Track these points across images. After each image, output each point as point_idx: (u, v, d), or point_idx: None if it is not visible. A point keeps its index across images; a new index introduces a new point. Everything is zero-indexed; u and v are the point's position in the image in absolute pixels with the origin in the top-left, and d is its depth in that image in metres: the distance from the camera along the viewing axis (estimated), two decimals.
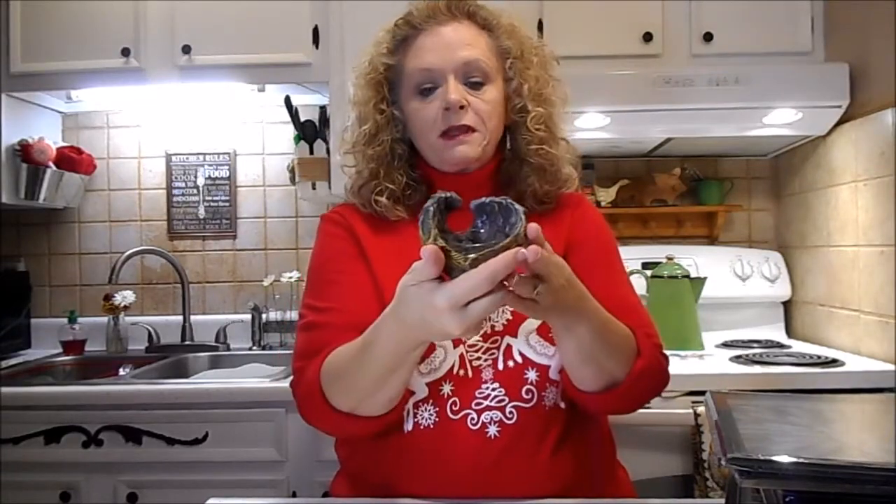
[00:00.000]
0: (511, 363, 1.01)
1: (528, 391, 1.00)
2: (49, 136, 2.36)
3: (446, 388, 1.00)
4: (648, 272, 2.09)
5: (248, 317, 2.40)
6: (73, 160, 2.39)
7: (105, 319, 2.39)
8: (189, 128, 2.54)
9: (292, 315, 2.35)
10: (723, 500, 0.78)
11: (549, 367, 1.01)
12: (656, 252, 2.25)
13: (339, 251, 1.09)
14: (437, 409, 0.99)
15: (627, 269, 1.17)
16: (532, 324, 1.02)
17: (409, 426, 1.00)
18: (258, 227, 2.53)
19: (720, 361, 1.88)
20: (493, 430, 0.98)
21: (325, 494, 1.20)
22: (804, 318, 2.27)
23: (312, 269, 1.11)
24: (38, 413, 1.79)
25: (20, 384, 1.94)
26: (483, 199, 0.80)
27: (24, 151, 2.24)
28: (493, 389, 1.00)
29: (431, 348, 1.00)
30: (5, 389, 1.79)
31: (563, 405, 1.02)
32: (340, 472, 1.13)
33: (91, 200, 2.54)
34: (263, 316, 2.39)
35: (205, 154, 2.54)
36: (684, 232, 2.46)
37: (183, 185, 2.53)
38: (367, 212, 1.12)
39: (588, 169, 2.31)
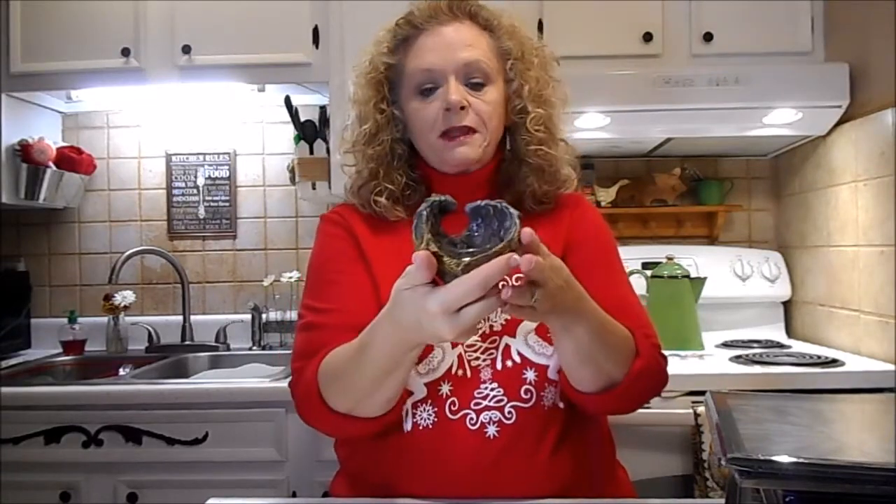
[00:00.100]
0: (510, 363, 1.01)
1: (526, 391, 1.00)
2: (49, 136, 2.36)
3: (445, 389, 1.00)
4: (648, 272, 2.09)
5: (248, 317, 2.40)
6: (73, 160, 2.39)
7: (105, 319, 2.39)
8: (189, 128, 2.54)
9: (292, 315, 2.34)
10: (723, 500, 0.78)
11: (547, 367, 1.01)
12: (656, 252, 2.25)
13: (339, 252, 1.09)
14: (436, 409, 0.99)
15: (627, 269, 1.17)
16: (530, 324, 1.02)
17: (408, 426, 1.00)
18: (258, 227, 2.53)
19: (720, 361, 1.88)
20: (492, 430, 0.98)
21: (325, 494, 1.20)
22: (804, 318, 2.27)
23: (312, 270, 1.11)
24: (38, 413, 1.79)
25: (20, 384, 1.94)
26: (478, 202, 0.79)
27: (24, 151, 2.24)
28: (492, 389, 1.00)
29: (429, 349, 1.00)
30: (5, 389, 1.79)
31: (561, 405, 1.02)
32: (340, 472, 1.13)
33: (91, 200, 2.54)
34: (263, 316, 2.39)
35: (205, 154, 2.54)
36: (684, 232, 2.46)
37: (183, 185, 2.53)
38: (366, 212, 1.12)
39: (588, 169, 2.31)
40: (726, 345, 2.12)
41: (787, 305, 2.34)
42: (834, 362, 1.80)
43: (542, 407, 1.01)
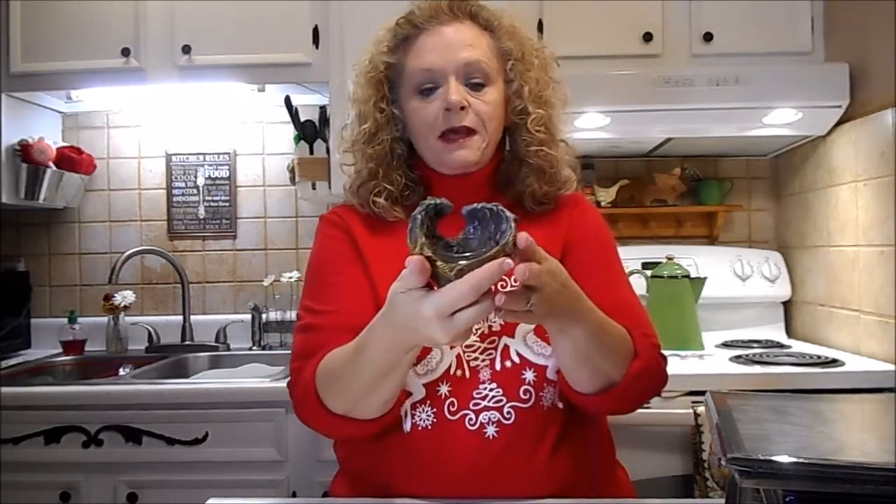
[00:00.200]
0: (508, 363, 1.01)
1: (525, 391, 1.00)
2: (49, 136, 2.36)
3: (443, 389, 1.00)
4: (648, 272, 2.09)
5: (248, 317, 2.40)
6: (73, 160, 2.39)
7: (105, 319, 2.39)
8: (189, 128, 2.54)
9: (292, 315, 2.34)
10: (723, 500, 0.78)
11: (546, 367, 1.01)
12: (656, 252, 2.25)
13: (337, 253, 1.09)
14: (435, 409, 0.99)
15: (627, 269, 1.17)
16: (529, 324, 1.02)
17: (407, 427, 1.00)
18: (258, 227, 2.53)
19: (720, 361, 1.88)
20: (491, 430, 0.98)
21: (325, 494, 1.20)
22: (804, 318, 2.27)
23: (310, 271, 1.11)
24: (38, 413, 1.79)
25: (20, 384, 1.94)
26: (475, 205, 0.79)
27: (24, 151, 2.24)
28: (491, 390, 1.00)
29: (428, 350, 1.00)
30: (5, 389, 1.79)
31: (560, 405, 1.02)
32: (340, 472, 1.13)
33: (91, 200, 2.54)
34: (263, 316, 2.39)
35: (205, 154, 2.54)
36: (684, 232, 2.46)
37: (183, 185, 2.53)
38: (364, 212, 1.12)
39: (588, 169, 2.31)
40: (726, 345, 2.12)
41: (787, 305, 2.34)
42: (834, 362, 1.80)
43: (541, 407, 1.00)
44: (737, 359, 1.87)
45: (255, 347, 2.38)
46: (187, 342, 2.41)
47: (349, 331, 0.95)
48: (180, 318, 2.43)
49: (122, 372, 2.22)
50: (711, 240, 2.45)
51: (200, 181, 2.53)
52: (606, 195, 2.35)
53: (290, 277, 2.38)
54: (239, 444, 1.77)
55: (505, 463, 0.98)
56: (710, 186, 2.41)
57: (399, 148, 1.11)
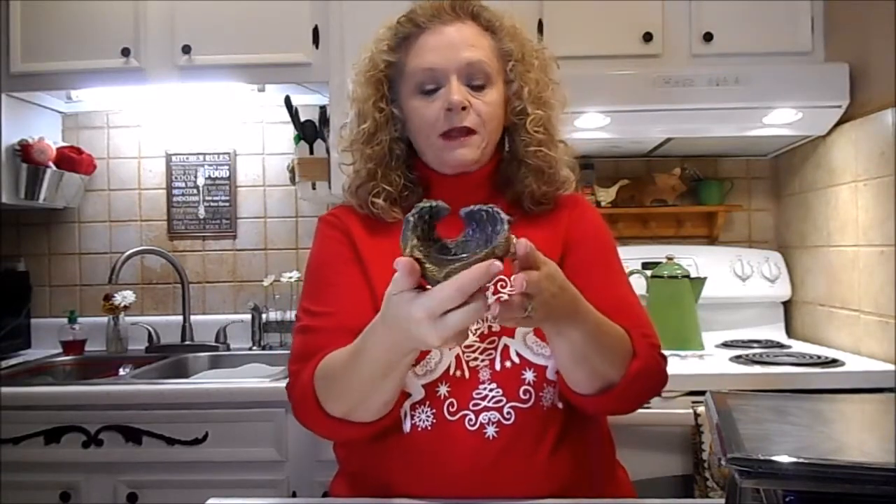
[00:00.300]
0: (508, 364, 1.01)
1: (525, 391, 1.00)
2: (49, 136, 2.36)
3: (443, 390, 1.00)
4: (648, 272, 2.09)
5: (248, 317, 2.40)
6: (73, 160, 2.39)
7: (105, 319, 2.39)
8: (189, 128, 2.54)
9: (292, 315, 2.33)
10: (723, 500, 0.78)
11: (546, 367, 1.01)
12: (656, 252, 2.25)
13: (336, 254, 1.09)
14: (434, 410, 0.99)
15: (627, 269, 1.17)
16: None
17: (406, 428, 1.00)
18: (258, 227, 2.53)
19: (720, 361, 1.88)
20: (491, 430, 0.98)
21: (325, 494, 1.20)
22: (804, 318, 2.27)
23: (309, 272, 1.11)
24: (38, 413, 1.79)
25: (20, 384, 1.94)
26: (472, 207, 0.79)
27: (24, 151, 2.24)
28: (491, 390, 1.00)
29: (427, 350, 1.00)
30: (5, 389, 1.79)
31: (560, 405, 1.02)
32: (340, 472, 1.13)
33: (91, 200, 2.54)
34: (263, 316, 2.39)
35: (205, 154, 2.54)
36: (684, 232, 2.46)
37: (183, 185, 2.53)
38: (363, 213, 1.12)
39: (588, 169, 2.31)
40: (726, 345, 2.12)
41: (787, 305, 2.34)
42: (834, 362, 1.80)
43: (541, 407, 1.00)
44: (737, 359, 1.87)
45: (255, 347, 2.38)
46: (187, 342, 2.41)
47: (347, 332, 0.95)
48: (180, 318, 2.43)
49: (122, 372, 2.22)
50: (711, 240, 2.45)
51: (200, 181, 2.53)
52: (606, 195, 2.35)
53: (290, 277, 2.38)
54: (239, 444, 1.77)
55: (505, 463, 0.97)
56: (710, 186, 2.41)
57: (398, 148, 1.11)
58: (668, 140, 2.18)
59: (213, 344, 2.39)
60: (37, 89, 2.28)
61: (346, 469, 1.11)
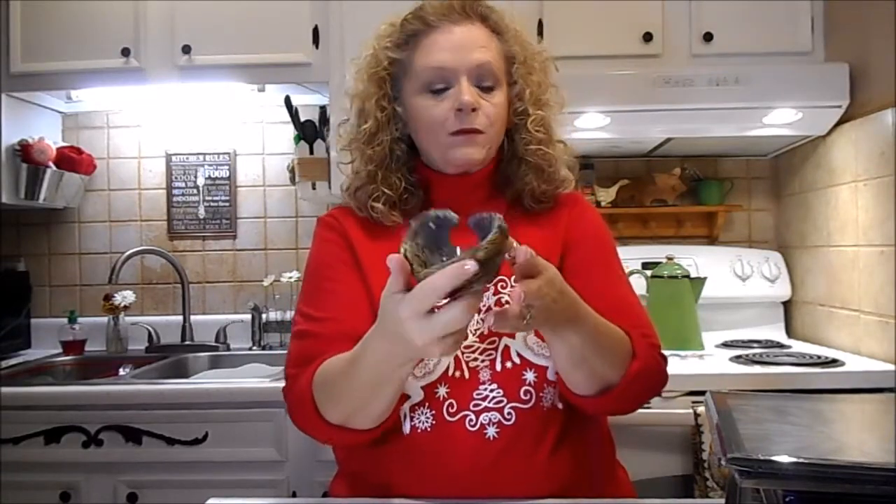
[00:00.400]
0: (509, 364, 1.01)
1: (526, 392, 1.00)
2: (49, 136, 2.36)
3: (442, 391, 1.00)
4: (648, 272, 2.09)
5: (248, 317, 2.40)
6: (73, 160, 2.39)
7: (105, 319, 2.39)
8: (189, 128, 2.54)
9: (292, 315, 2.34)
10: (723, 500, 0.78)
11: (546, 367, 1.01)
12: (656, 252, 2.25)
13: (333, 258, 1.09)
14: (434, 411, 0.99)
15: (627, 269, 1.17)
16: None
17: (406, 429, 1.00)
18: (258, 227, 2.53)
19: (720, 361, 1.88)
20: (491, 431, 0.98)
21: (325, 494, 1.20)
22: (804, 318, 2.27)
23: (307, 274, 1.11)
24: (38, 413, 1.79)
25: (20, 384, 1.94)
26: (478, 214, 0.78)
27: (24, 151, 2.24)
28: (492, 391, 0.99)
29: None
30: (5, 389, 1.79)
31: (560, 405, 1.02)
32: (339, 472, 1.13)
33: (91, 200, 2.54)
34: (263, 316, 2.39)
35: (205, 154, 2.54)
36: (684, 232, 2.46)
37: (183, 185, 2.53)
38: (362, 215, 1.11)
39: (588, 169, 2.31)
40: (726, 345, 2.12)
41: (787, 305, 2.34)
42: (834, 362, 1.80)
43: (542, 408, 1.00)
44: (737, 359, 1.87)
45: (255, 347, 2.38)
46: (187, 342, 2.41)
47: (344, 338, 0.95)
48: (180, 318, 2.43)
49: (122, 372, 2.22)
50: (711, 240, 2.45)
51: (200, 181, 2.53)
52: (606, 195, 2.35)
53: (290, 277, 2.39)
54: (239, 444, 1.77)
55: (505, 463, 0.97)
56: (710, 186, 2.41)
57: (398, 149, 1.10)
58: (668, 140, 2.18)
59: (213, 344, 2.39)
60: (37, 89, 2.28)
61: (345, 469, 1.11)
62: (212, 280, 2.52)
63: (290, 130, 2.34)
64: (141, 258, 2.50)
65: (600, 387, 0.96)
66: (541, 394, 1.00)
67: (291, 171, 2.33)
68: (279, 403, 1.73)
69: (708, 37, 2.04)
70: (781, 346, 2.11)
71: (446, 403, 0.99)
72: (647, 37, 2.05)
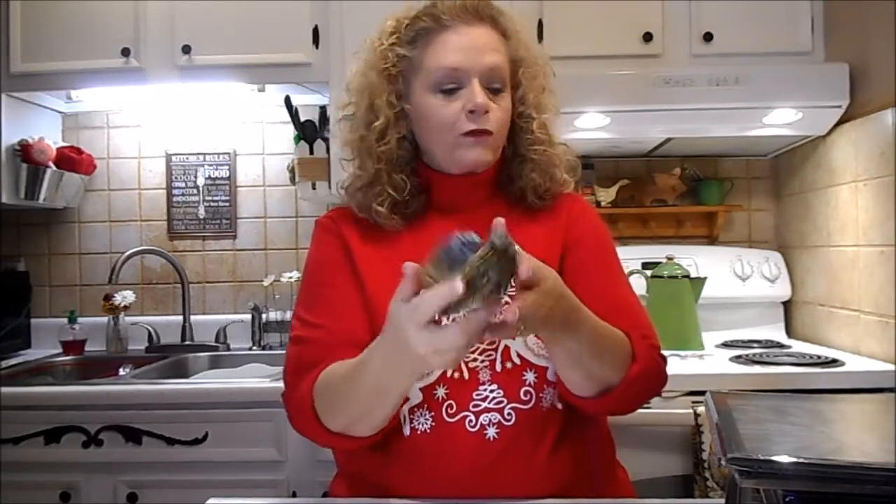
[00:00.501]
0: (509, 364, 1.01)
1: (526, 392, 1.00)
2: (49, 136, 2.36)
3: (440, 392, 1.00)
4: (648, 272, 2.09)
5: (248, 317, 2.40)
6: (73, 160, 2.39)
7: (105, 319, 2.39)
8: (189, 128, 2.54)
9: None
10: (723, 500, 0.78)
11: (546, 368, 1.01)
12: (656, 252, 2.25)
13: (331, 262, 1.08)
14: (433, 413, 0.99)
15: (627, 269, 1.17)
16: None
17: (406, 431, 1.00)
18: (258, 227, 2.53)
19: (720, 361, 1.88)
20: (491, 431, 0.98)
21: (325, 494, 1.20)
22: (804, 318, 2.27)
23: (305, 277, 1.11)
24: (38, 413, 1.79)
25: (20, 384, 1.94)
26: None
27: (24, 151, 2.24)
28: (492, 391, 0.99)
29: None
30: (5, 389, 1.79)
31: (559, 406, 1.02)
32: (339, 472, 1.13)
33: (91, 200, 2.54)
34: (263, 316, 2.39)
35: (205, 154, 2.54)
36: (684, 232, 2.46)
37: (183, 185, 2.53)
38: (361, 216, 1.10)
39: (588, 169, 2.31)
40: (726, 345, 2.12)
41: (787, 305, 2.34)
42: (834, 362, 1.80)
43: (541, 408, 1.00)
44: (737, 359, 1.87)
45: (255, 347, 2.38)
46: (187, 342, 2.41)
47: (341, 345, 0.96)
48: (180, 318, 2.43)
49: (122, 372, 2.22)
50: (711, 240, 2.45)
51: (200, 181, 2.53)
52: (606, 195, 2.35)
53: (290, 277, 2.39)
54: (239, 444, 1.77)
55: (505, 463, 0.97)
56: (710, 186, 2.41)
57: (402, 148, 1.09)
58: (668, 140, 2.18)
59: (213, 344, 2.39)
60: (37, 89, 2.28)
61: (345, 470, 1.12)
62: (212, 280, 2.52)
63: (290, 130, 2.34)
64: (141, 258, 2.50)
65: (600, 388, 0.96)
66: (540, 394, 1.01)
67: (291, 171, 2.33)
68: (279, 403, 1.72)
69: (708, 37, 2.04)
70: (781, 346, 2.11)
71: (445, 404, 0.99)
72: (647, 37, 2.05)
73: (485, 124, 1.04)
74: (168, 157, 2.53)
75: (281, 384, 1.05)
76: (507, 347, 1.02)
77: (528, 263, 0.77)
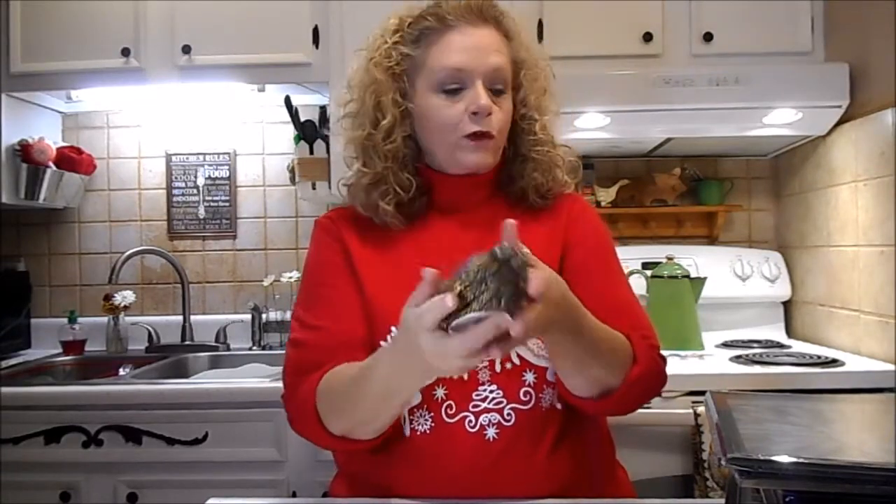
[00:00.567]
0: (509, 365, 1.00)
1: (525, 393, 1.00)
2: (49, 136, 2.36)
3: (440, 392, 1.00)
4: (648, 272, 2.09)
5: (248, 317, 2.40)
6: (73, 160, 2.39)
7: (105, 319, 2.39)
8: (189, 128, 2.54)
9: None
10: (723, 500, 0.78)
11: (546, 368, 1.01)
12: (656, 252, 2.25)
13: (330, 263, 1.08)
14: (432, 413, 0.99)
15: (627, 270, 1.18)
16: None
17: (406, 432, 1.00)
18: (258, 227, 2.53)
19: (720, 361, 1.88)
20: (491, 432, 0.98)
21: (325, 494, 1.20)
22: (804, 318, 2.27)
23: (305, 277, 1.11)
24: (38, 413, 1.79)
25: (20, 384, 1.94)
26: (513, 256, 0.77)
27: (24, 151, 2.24)
28: (491, 391, 0.99)
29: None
30: (5, 389, 1.79)
31: (559, 406, 1.02)
32: (339, 472, 1.13)
33: (91, 200, 2.54)
34: (263, 316, 2.39)
35: (205, 154, 2.54)
36: (684, 232, 2.46)
37: (183, 185, 2.53)
38: (359, 216, 1.10)
39: (588, 169, 2.31)
40: (726, 345, 2.12)
41: (787, 305, 2.34)
42: (834, 362, 1.80)
43: (541, 408, 1.01)
44: (737, 359, 1.87)
45: (255, 347, 2.38)
46: (187, 342, 2.41)
47: (341, 346, 0.97)
48: (180, 318, 2.43)
49: (122, 372, 2.22)
50: (711, 240, 2.45)
51: (200, 181, 2.53)
52: (606, 195, 2.35)
53: (290, 277, 2.38)
54: (239, 444, 1.77)
55: (504, 463, 0.98)
56: (710, 186, 2.41)
57: (408, 147, 1.08)
58: (668, 140, 2.18)
59: (213, 344, 2.39)
60: (37, 89, 2.28)
61: (345, 470, 1.12)
62: (212, 280, 2.52)
63: (290, 130, 2.34)
64: (141, 258, 2.50)
65: (600, 391, 0.96)
66: (540, 394, 1.01)
67: (291, 171, 2.33)
68: (279, 403, 1.73)
69: (708, 37, 2.04)
70: (781, 346, 2.11)
71: (445, 405, 0.99)
72: (647, 37, 2.05)
73: (487, 126, 1.04)
74: (168, 157, 2.53)
75: (281, 384, 1.05)
76: None
77: (538, 281, 0.74)
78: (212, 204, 2.53)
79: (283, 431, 1.76)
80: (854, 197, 1.95)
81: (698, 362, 1.87)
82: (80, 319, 2.37)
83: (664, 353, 1.05)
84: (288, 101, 2.26)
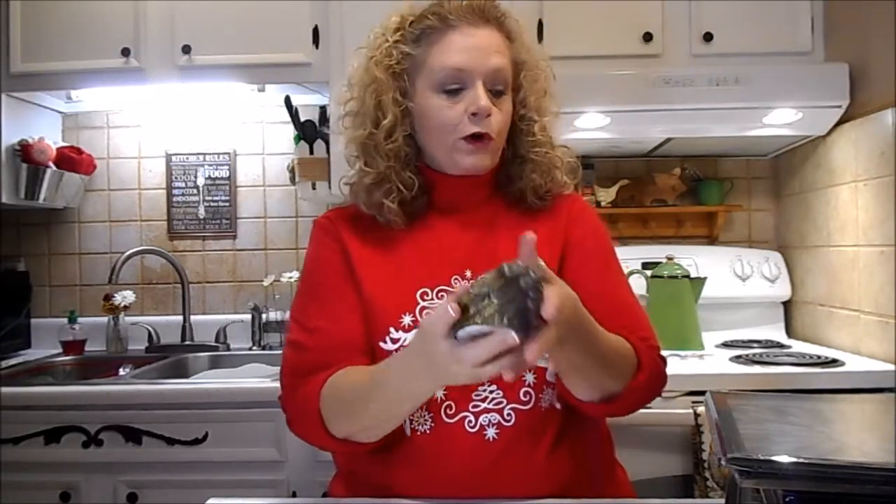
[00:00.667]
0: None
1: (525, 393, 1.00)
2: (49, 136, 2.36)
3: (440, 393, 1.00)
4: (648, 272, 2.09)
5: (248, 317, 2.40)
6: (73, 160, 2.39)
7: (105, 319, 2.39)
8: (189, 128, 2.54)
9: None
10: (723, 500, 0.78)
11: (546, 369, 1.00)
12: (656, 252, 2.25)
13: (329, 264, 1.08)
14: (432, 414, 0.99)
15: (627, 270, 1.18)
16: None
17: (406, 432, 1.00)
18: (258, 227, 2.53)
19: (720, 361, 1.88)
20: (491, 432, 0.98)
21: (325, 494, 1.20)
22: (804, 318, 2.27)
23: (304, 277, 1.11)
24: (38, 413, 1.79)
25: (20, 384, 1.94)
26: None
27: (24, 151, 2.24)
28: (491, 392, 0.99)
29: None
30: (5, 389, 1.79)
31: (559, 406, 1.02)
32: (339, 472, 1.13)
33: (91, 200, 2.54)
34: (263, 316, 2.39)
35: (205, 154, 2.54)
36: (684, 232, 2.46)
37: (183, 185, 2.53)
38: (359, 216, 1.10)
39: (588, 169, 2.31)
40: (726, 345, 2.12)
41: (787, 305, 2.34)
42: (834, 362, 1.80)
43: (540, 408, 1.01)
44: (737, 359, 1.87)
45: (255, 347, 2.38)
46: (187, 342, 2.41)
47: (339, 347, 0.98)
48: (180, 318, 2.43)
49: (122, 372, 2.22)
50: (711, 240, 2.45)
51: (200, 181, 2.53)
52: (606, 195, 2.35)
53: (290, 277, 2.38)
54: (239, 444, 1.77)
55: (504, 463, 0.98)
56: (710, 186, 2.41)
57: (409, 146, 1.08)
58: (668, 140, 2.18)
59: (213, 344, 2.39)
60: (37, 89, 2.28)
61: (345, 470, 1.12)
62: (212, 280, 2.52)
63: (290, 130, 2.34)
64: (141, 258, 2.50)
65: (602, 396, 0.96)
66: (540, 394, 1.01)
67: (291, 171, 2.33)
68: (279, 403, 1.74)
69: (708, 37, 2.04)
70: (781, 346, 2.11)
71: (444, 405, 0.99)
72: (647, 37, 2.05)
73: (486, 127, 1.03)
74: (168, 157, 2.53)
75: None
76: None
77: (552, 303, 0.73)
78: (212, 204, 2.53)
79: (283, 431, 1.75)
80: (854, 197, 1.95)
81: (698, 362, 1.87)
82: (80, 319, 2.37)
83: (664, 353, 1.05)
84: (288, 101, 2.26)
